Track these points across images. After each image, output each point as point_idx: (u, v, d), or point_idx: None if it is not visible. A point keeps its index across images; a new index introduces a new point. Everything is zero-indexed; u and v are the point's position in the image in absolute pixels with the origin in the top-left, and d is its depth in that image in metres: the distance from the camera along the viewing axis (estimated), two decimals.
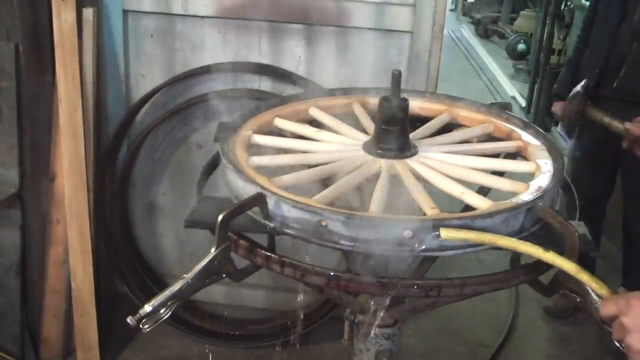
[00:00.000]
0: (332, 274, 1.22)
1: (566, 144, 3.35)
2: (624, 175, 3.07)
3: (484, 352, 3.03)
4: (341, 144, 1.59)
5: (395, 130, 1.50)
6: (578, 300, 1.16)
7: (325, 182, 1.51)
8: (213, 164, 1.61)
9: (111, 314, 2.92)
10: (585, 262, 1.15)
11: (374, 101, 1.76)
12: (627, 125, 2.62)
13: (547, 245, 1.14)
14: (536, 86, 6.24)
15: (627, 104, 2.81)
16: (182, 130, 2.97)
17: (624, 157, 2.90)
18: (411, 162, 1.48)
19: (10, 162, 2.54)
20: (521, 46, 8.65)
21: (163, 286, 2.93)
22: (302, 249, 1.92)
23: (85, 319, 2.66)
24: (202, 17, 2.76)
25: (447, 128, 1.74)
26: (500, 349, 3.06)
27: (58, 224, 2.65)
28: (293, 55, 2.79)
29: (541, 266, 1.27)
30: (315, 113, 1.72)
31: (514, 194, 1.35)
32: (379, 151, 1.50)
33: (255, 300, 3.16)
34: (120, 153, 2.95)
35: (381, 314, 1.51)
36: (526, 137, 1.62)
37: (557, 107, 3.10)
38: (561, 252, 1.14)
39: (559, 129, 2.83)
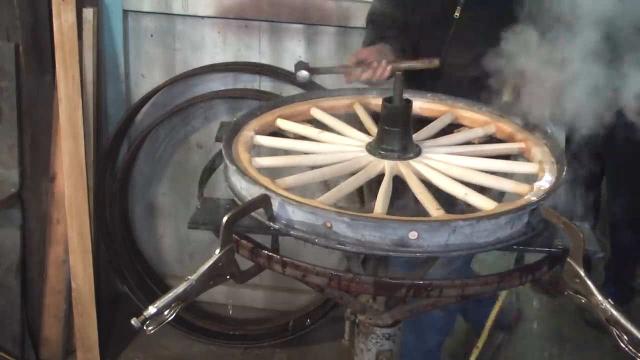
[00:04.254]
0: (333, 274, 1.22)
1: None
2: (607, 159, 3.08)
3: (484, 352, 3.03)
4: (344, 145, 1.59)
5: (399, 131, 1.49)
6: (583, 301, 1.16)
7: (328, 183, 1.51)
8: (213, 165, 1.61)
9: (111, 314, 2.91)
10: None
11: (375, 102, 1.76)
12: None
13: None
14: None
15: None
16: (182, 130, 2.97)
17: (608, 143, 2.89)
18: (414, 163, 1.48)
19: (10, 162, 2.54)
20: None
21: (163, 286, 2.99)
22: (304, 249, 1.92)
23: (85, 319, 2.66)
24: (202, 17, 2.76)
25: (449, 129, 1.74)
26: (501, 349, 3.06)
27: (58, 224, 2.65)
28: (293, 55, 2.78)
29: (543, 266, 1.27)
30: (317, 114, 1.72)
31: (518, 195, 1.35)
32: (382, 152, 1.50)
33: (255, 300, 3.16)
34: (120, 153, 2.95)
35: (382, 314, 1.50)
36: (529, 138, 1.62)
37: None
38: None
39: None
